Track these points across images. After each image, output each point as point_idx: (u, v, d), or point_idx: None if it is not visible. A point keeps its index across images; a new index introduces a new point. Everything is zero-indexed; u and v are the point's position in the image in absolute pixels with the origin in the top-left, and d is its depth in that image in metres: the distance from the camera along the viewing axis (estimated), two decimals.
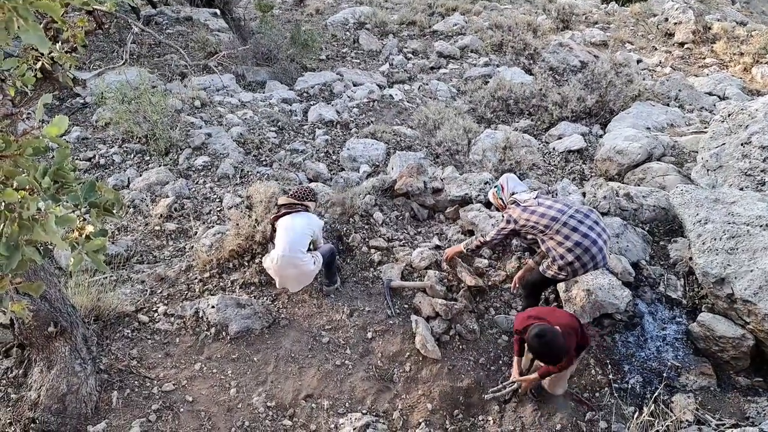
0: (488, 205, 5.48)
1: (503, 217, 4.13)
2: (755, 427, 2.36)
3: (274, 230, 4.57)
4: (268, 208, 5.00)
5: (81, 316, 3.81)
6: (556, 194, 5.57)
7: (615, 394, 4.22)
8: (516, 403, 4.15)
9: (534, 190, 4.27)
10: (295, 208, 4.49)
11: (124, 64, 3.35)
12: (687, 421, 4.04)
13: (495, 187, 4.31)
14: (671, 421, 3.95)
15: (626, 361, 4.45)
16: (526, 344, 3.65)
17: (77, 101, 7.58)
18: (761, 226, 4.40)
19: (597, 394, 4.21)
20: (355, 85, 9.32)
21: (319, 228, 4.52)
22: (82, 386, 3.54)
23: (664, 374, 4.30)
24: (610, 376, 4.33)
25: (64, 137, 6.83)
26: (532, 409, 4.09)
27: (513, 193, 4.17)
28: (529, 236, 4.12)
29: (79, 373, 3.55)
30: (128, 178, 6.19)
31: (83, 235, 1.27)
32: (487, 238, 4.19)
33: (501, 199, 4.24)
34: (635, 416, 4.00)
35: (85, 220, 1.30)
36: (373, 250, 5.03)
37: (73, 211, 1.25)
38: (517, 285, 4.53)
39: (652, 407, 3.91)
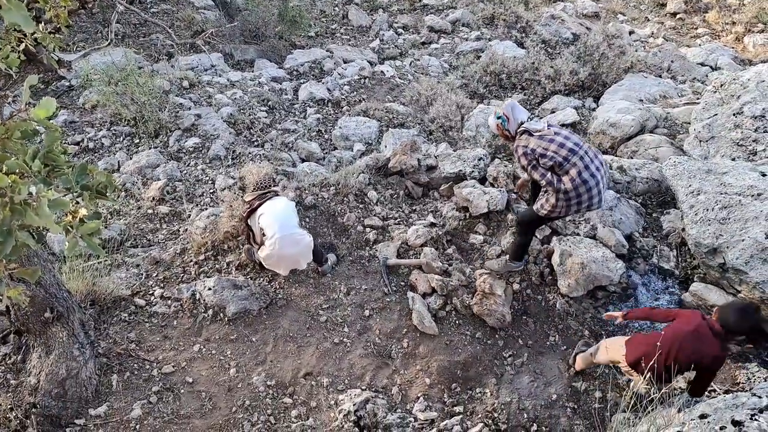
0: (482, 181, 5.47)
1: (518, 152, 3.87)
2: (747, 392, 2.41)
3: (250, 229, 4.46)
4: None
5: (77, 301, 3.80)
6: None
7: (609, 365, 4.29)
8: (513, 375, 4.22)
9: (541, 118, 4.03)
10: (267, 195, 4.41)
11: (109, 44, 3.27)
12: (680, 388, 4.12)
13: (499, 117, 3.97)
14: (665, 390, 4.05)
15: (620, 332, 4.51)
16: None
17: (63, 84, 7.43)
18: (752, 195, 4.43)
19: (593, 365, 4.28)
20: (345, 62, 9.20)
21: (294, 208, 4.49)
22: (81, 370, 3.55)
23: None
24: None
25: (51, 120, 6.75)
26: (529, 381, 4.17)
27: (521, 123, 3.93)
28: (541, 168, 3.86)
29: (78, 358, 3.55)
30: (118, 162, 6.12)
31: (77, 219, 1.25)
32: (546, 176, 3.80)
33: (507, 130, 3.98)
34: (630, 385, 4.10)
35: (78, 203, 1.29)
36: (368, 229, 5.03)
37: (66, 195, 1.24)
38: (519, 190, 4.97)
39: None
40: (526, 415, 3.96)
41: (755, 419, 1.89)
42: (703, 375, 3.26)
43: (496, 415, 3.92)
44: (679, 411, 3.46)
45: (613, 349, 3.73)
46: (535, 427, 3.90)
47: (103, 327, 4.02)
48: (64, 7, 2.05)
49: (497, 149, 5.96)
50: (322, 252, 4.59)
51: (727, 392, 4.02)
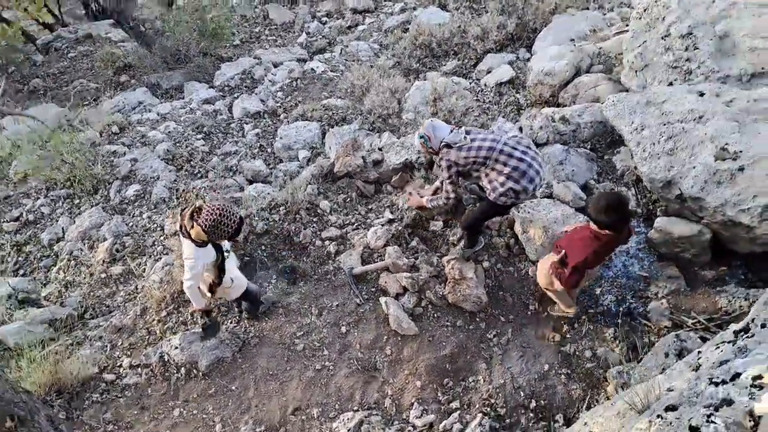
0: (431, 164, 5.34)
1: (442, 165, 4.14)
2: (707, 376, 2.19)
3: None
4: None
5: (40, 397, 3.62)
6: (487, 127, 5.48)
7: (593, 320, 4.26)
8: (501, 354, 4.17)
9: (459, 128, 4.18)
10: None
11: (2, 117, 3.02)
12: (666, 327, 4.11)
13: (421, 137, 4.19)
14: (652, 333, 4.04)
15: (596, 284, 4.48)
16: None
17: None
18: (694, 120, 4.37)
19: (575, 325, 4.25)
20: (275, 66, 8.92)
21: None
22: None
23: (633, 289, 4.36)
24: (585, 303, 4.37)
25: None
26: (518, 356, 4.12)
27: (443, 139, 4.12)
28: (474, 174, 4.16)
29: None
30: (62, 228, 5.86)
31: None
32: (450, 195, 4.21)
33: (431, 147, 4.19)
34: (616, 337, 4.09)
35: None
36: (327, 242, 4.89)
37: None
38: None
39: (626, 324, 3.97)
40: (522, 393, 3.92)
41: (712, 421, 1.75)
42: None
43: (492, 401, 3.88)
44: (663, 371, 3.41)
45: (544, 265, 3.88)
46: (533, 403, 3.86)
47: (76, 414, 3.85)
48: None
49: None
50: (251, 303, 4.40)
51: (709, 320, 4.01)
